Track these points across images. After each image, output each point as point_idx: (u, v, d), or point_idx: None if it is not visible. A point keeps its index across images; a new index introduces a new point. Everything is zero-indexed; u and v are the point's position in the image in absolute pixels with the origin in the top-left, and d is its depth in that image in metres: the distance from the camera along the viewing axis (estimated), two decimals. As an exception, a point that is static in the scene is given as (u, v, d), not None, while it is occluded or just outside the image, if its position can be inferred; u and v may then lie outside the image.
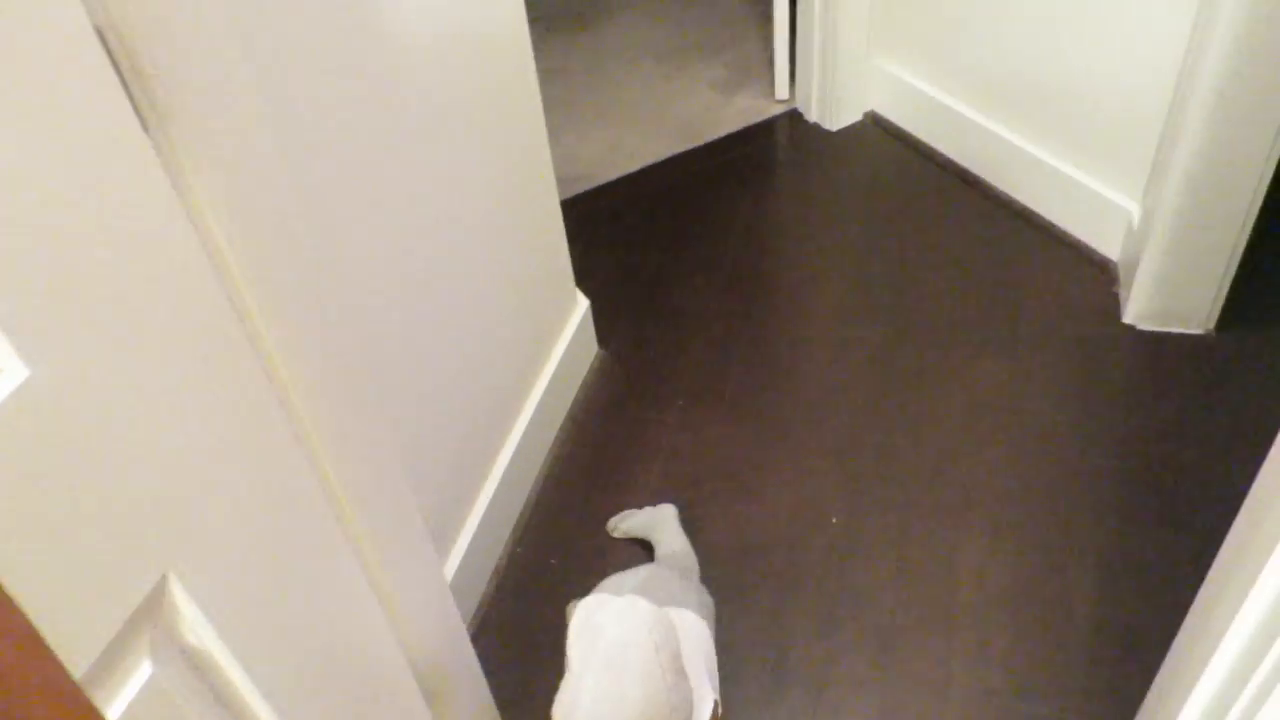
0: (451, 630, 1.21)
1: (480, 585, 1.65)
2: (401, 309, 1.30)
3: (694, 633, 1.30)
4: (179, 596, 0.66)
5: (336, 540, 0.85)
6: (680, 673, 1.16)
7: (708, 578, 1.64)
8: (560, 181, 2.37)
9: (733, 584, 1.63)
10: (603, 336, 2.07)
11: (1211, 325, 1.94)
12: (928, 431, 1.83)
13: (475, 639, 1.60)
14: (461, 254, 1.45)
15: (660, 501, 1.75)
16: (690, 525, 1.72)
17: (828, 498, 1.75)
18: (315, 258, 0.81)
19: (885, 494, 1.74)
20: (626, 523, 1.71)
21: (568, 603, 1.59)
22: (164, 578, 0.65)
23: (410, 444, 1.38)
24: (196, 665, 0.70)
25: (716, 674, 1.32)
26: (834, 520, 1.71)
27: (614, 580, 1.40)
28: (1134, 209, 1.98)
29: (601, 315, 2.09)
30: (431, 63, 1.29)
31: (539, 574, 1.69)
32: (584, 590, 1.63)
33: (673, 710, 1.13)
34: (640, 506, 1.74)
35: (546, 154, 1.70)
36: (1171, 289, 1.88)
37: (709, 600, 1.46)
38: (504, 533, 1.73)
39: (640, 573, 1.40)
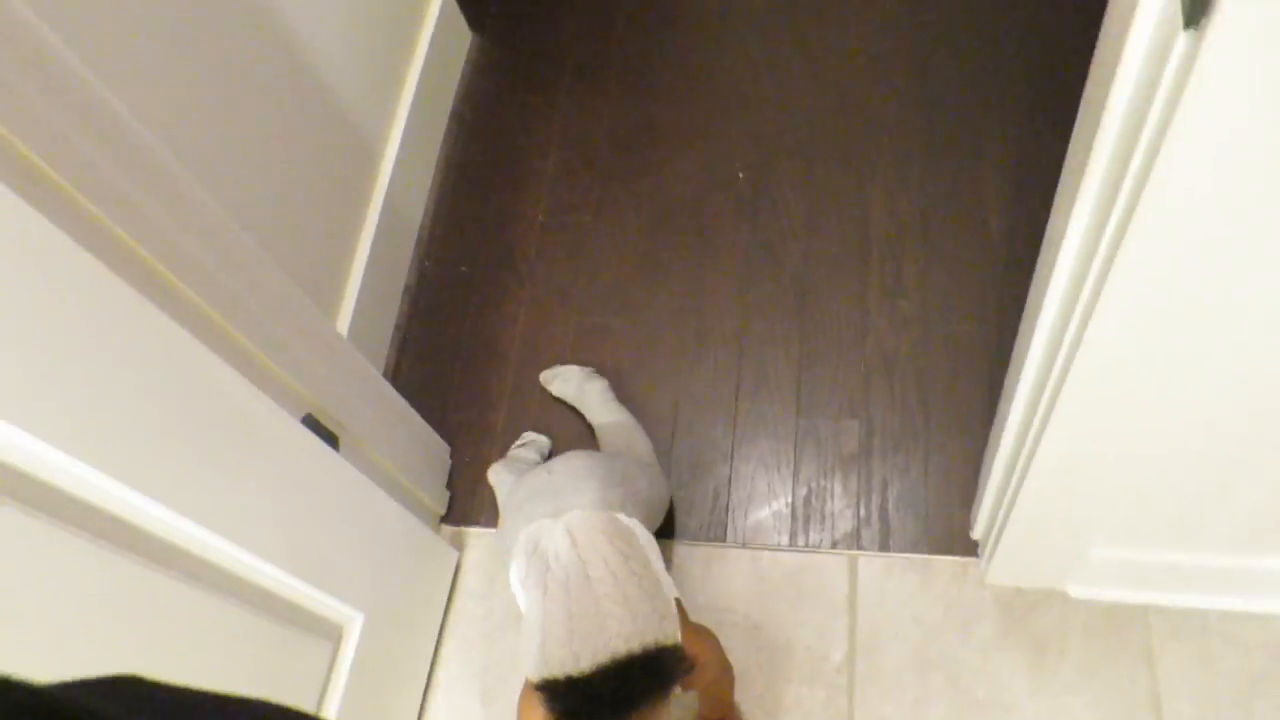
0: (362, 377, 1.19)
1: (393, 307, 1.62)
2: (235, 51, 1.15)
3: (641, 537, 1.09)
4: None
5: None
6: (655, 579, 0.99)
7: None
8: None
9: (648, 260, 1.60)
10: (475, 20, 1.89)
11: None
12: (828, 68, 1.72)
13: (398, 364, 1.58)
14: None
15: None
16: (598, 209, 1.66)
17: (732, 154, 1.67)
18: None
19: (789, 141, 1.66)
20: (557, 385, 1.49)
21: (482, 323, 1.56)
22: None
23: (278, 191, 1.28)
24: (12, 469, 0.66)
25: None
26: (740, 175, 1.64)
27: (537, 481, 1.17)
28: None
29: (470, -3, 1.91)
30: None
31: (451, 284, 1.65)
32: (496, 293, 1.60)
33: (662, 620, 0.95)
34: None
35: None
36: None
37: (662, 490, 1.25)
38: (407, 251, 1.67)
39: (559, 468, 1.19)
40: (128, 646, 0.77)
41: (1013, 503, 1.02)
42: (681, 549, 1.36)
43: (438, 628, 1.35)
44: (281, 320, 1.01)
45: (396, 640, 1.23)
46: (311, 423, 1.03)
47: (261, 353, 0.97)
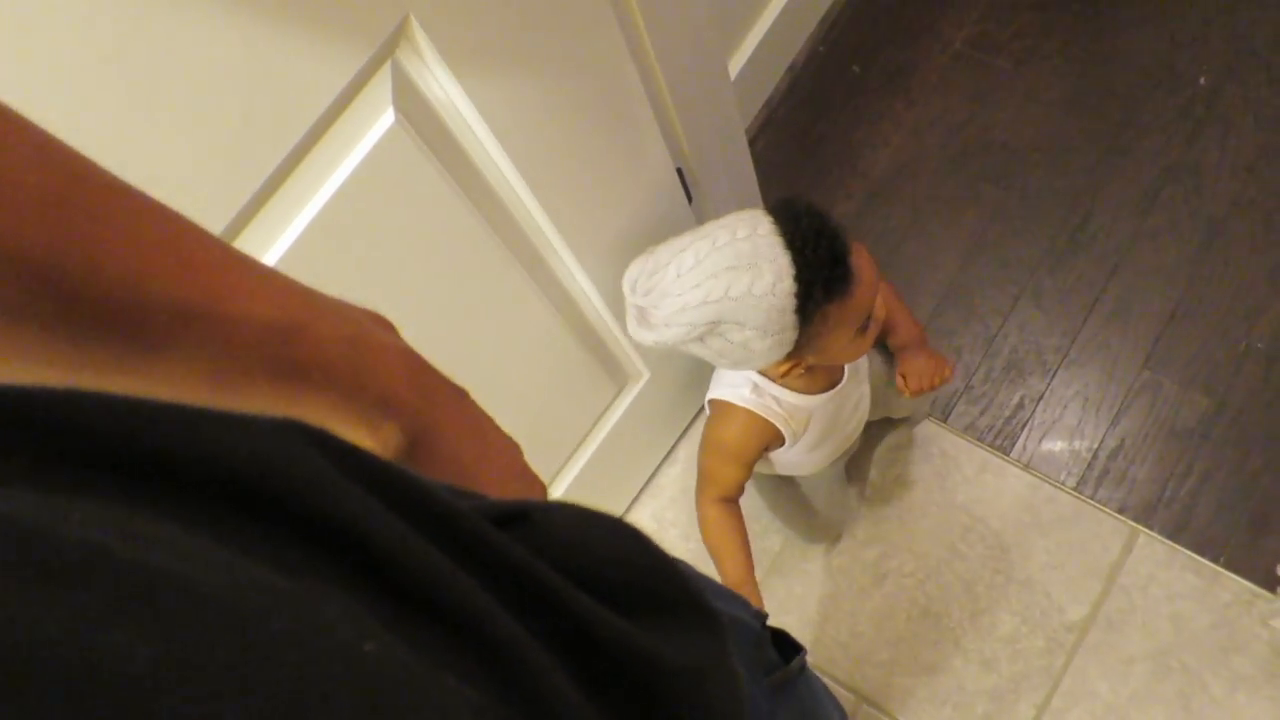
0: (723, 118, 1.13)
1: (770, 80, 1.53)
2: None
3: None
4: (421, 41, 0.61)
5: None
6: None
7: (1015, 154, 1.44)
8: None
9: (1053, 135, 1.43)
10: None
11: None
12: (1369, -13, 1.42)
13: (754, 141, 1.52)
14: None
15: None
16: (1022, 59, 1.48)
17: (1200, 53, 1.43)
18: None
19: (1274, 56, 1.40)
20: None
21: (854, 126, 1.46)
22: (405, 19, 0.59)
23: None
24: (438, 119, 0.66)
25: None
26: (1201, 81, 1.42)
27: None
28: None
29: None
30: None
31: (836, 78, 1.54)
32: (878, 106, 1.49)
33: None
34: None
35: None
36: None
37: None
38: (807, 26, 1.56)
39: None
40: (462, 305, 0.80)
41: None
42: (959, 442, 1.28)
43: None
44: (691, 56, 0.96)
45: (663, 407, 1.24)
46: (680, 176, 1.00)
47: (665, 82, 0.93)
